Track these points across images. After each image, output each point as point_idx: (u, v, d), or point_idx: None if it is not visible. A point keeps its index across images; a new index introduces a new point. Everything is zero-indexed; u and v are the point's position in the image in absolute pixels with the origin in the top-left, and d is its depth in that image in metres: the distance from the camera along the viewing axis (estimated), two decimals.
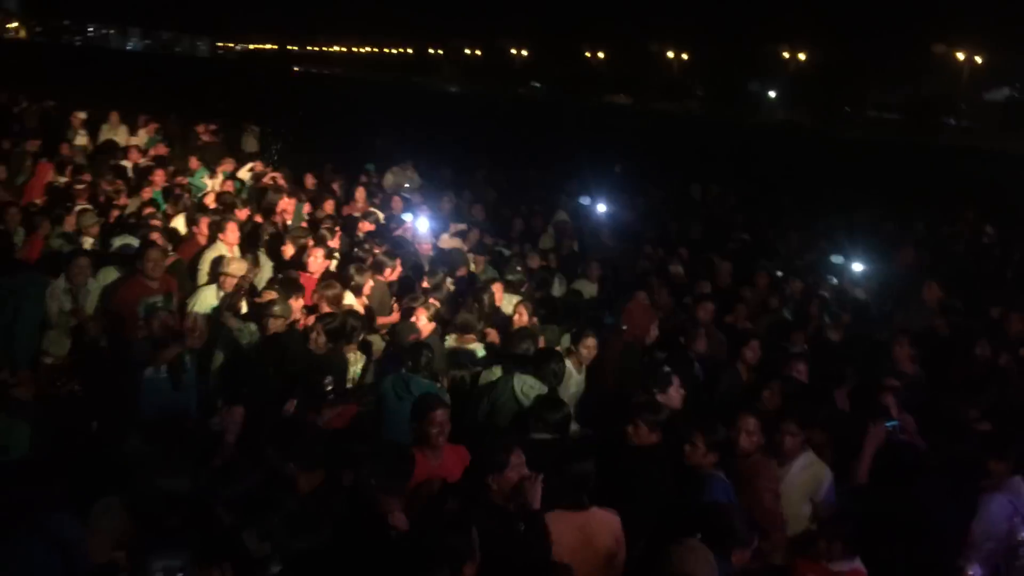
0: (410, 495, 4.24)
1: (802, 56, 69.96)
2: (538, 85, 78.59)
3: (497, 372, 6.39)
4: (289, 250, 8.71)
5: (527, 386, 5.94)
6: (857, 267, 11.45)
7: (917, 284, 9.93)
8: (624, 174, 19.01)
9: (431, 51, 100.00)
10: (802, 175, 24.35)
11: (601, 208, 13.54)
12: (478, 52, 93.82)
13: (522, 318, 7.45)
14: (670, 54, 77.59)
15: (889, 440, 4.96)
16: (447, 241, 10.41)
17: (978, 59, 63.92)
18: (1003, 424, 5.65)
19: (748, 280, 10.14)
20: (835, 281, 10.96)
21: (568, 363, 6.71)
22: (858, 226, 15.15)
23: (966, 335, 8.04)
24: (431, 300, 7.51)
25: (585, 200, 14.12)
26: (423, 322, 7.11)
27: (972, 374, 7.22)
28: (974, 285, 10.61)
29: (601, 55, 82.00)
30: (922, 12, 62.40)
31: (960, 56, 63.98)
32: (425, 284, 8.24)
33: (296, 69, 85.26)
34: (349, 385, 6.26)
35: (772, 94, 69.39)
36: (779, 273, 10.70)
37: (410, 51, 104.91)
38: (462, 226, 11.08)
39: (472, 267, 9.34)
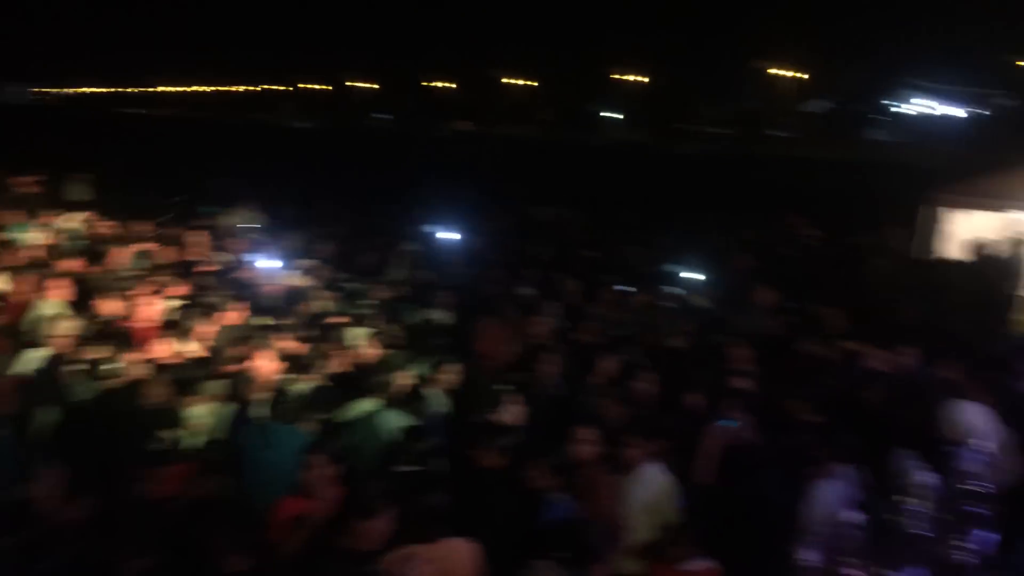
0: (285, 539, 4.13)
1: (639, 78, 73.16)
2: (384, 116, 78.40)
3: (359, 408, 6.32)
4: (123, 300, 8.31)
5: (392, 420, 5.92)
6: (696, 276, 12.02)
7: (751, 288, 10.55)
8: (474, 199, 19.20)
9: (276, 88, 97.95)
10: (644, 191, 25.30)
11: (452, 235, 13.62)
12: (325, 87, 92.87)
13: (374, 352, 7.40)
14: (513, 80, 79.37)
15: (730, 439, 5.20)
16: (295, 279, 10.21)
17: (797, 74, 68.69)
18: (828, 414, 6.07)
19: (596, 297, 10.46)
20: (678, 291, 11.46)
21: (431, 391, 6.75)
22: (696, 236, 15.94)
23: (794, 333, 8.59)
24: (280, 341, 7.36)
25: (436, 228, 14.17)
26: (273, 364, 6.96)
27: (800, 369, 7.70)
28: (800, 285, 11.30)
29: (445, 84, 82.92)
30: (746, 31, 66.46)
31: (781, 72, 68.60)
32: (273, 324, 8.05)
33: (126, 112, 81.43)
34: (197, 439, 6.03)
35: (613, 115, 72.04)
36: (625, 287, 11.08)
37: (256, 89, 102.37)
38: (310, 262, 10.90)
39: (321, 304, 9.19)
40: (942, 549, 5.14)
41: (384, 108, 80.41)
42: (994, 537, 5.13)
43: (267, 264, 10.33)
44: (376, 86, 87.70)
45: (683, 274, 12.29)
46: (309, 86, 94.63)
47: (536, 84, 78.54)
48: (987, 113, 63.65)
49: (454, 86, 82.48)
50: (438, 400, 6.85)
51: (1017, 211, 13.58)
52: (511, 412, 6.02)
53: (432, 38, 79.88)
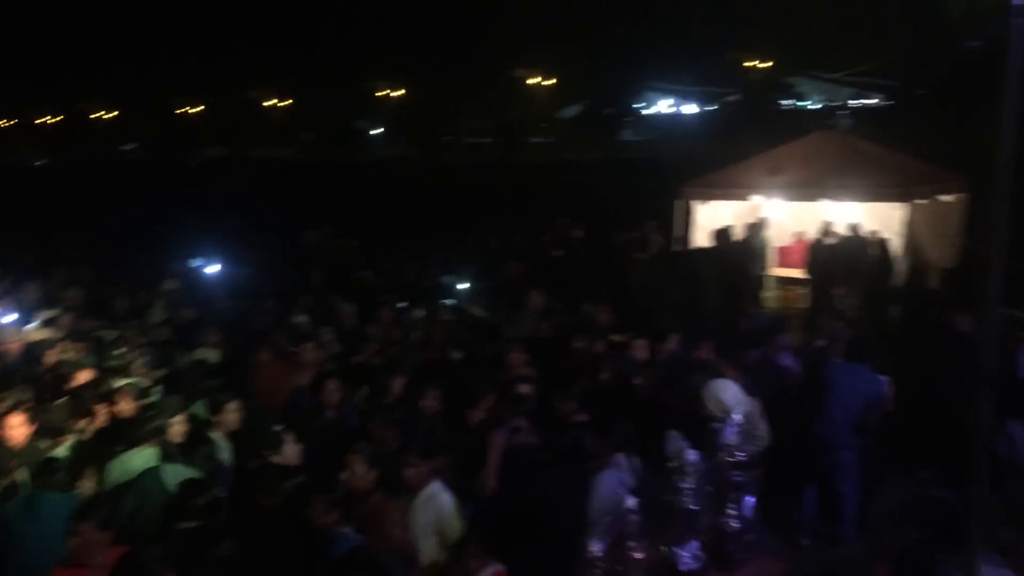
0: None
1: (399, 92, 73.53)
2: (130, 147, 73.43)
3: (132, 464, 5.83)
4: None
5: (169, 474, 5.51)
6: (471, 286, 12.23)
7: (523, 294, 10.87)
8: (237, 228, 18.45)
9: (4, 122, 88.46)
10: (413, 205, 25.43)
11: (215, 268, 12.95)
12: (58, 118, 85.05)
13: (132, 403, 6.85)
14: (270, 101, 77.13)
15: (510, 445, 5.28)
16: (35, 333, 9.27)
17: (550, 81, 71.87)
18: (601, 407, 6.34)
19: (374, 317, 10.32)
20: (455, 302, 11.57)
21: (210, 436, 6.35)
22: (469, 246, 16.23)
23: (565, 333, 8.94)
24: (22, 402, 6.63)
25: (196, 262, 13.42)
26: (19, 427, 6.25)
27: (574, 367, 8.01)
28: (570, 285, 11.78)
29: (196, 109, 78.99)
30: (499, 41, 68.65)
31: (535, 80, 71.52)
32: None
33: None
34: None
35: (377, 131, 71.89)
36: (401, 304, 11.03)
37: None
38: (53, 312, 9.93)
39: (65, 356, 8.37)
40: (714, 519, 5.52)
41: (130, 137, 75.28)
42: (752, 500, 5.57)
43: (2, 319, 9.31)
44: (117, 113, 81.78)
45: (458, 285, 12.46)
46: (43, 119, 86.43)
47: (292, 103, 76.79)
48: (716, 109, 69.75)
49: (203, 109, 78.73)
50: (218, 445, 6.46)
51: (756, 197, 14.94)
52: (289, 451, 5.78)
53: (178, 58, 75.82)
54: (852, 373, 7.12)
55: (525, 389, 7.08)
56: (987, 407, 3.20)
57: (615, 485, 5.42)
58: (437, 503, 5.06)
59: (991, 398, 3.20)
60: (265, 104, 77.60)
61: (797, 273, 14.22)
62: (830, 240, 13.80)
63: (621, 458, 5.66)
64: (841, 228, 14.01)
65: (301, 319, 10.19)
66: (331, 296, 11.42)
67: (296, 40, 74.30)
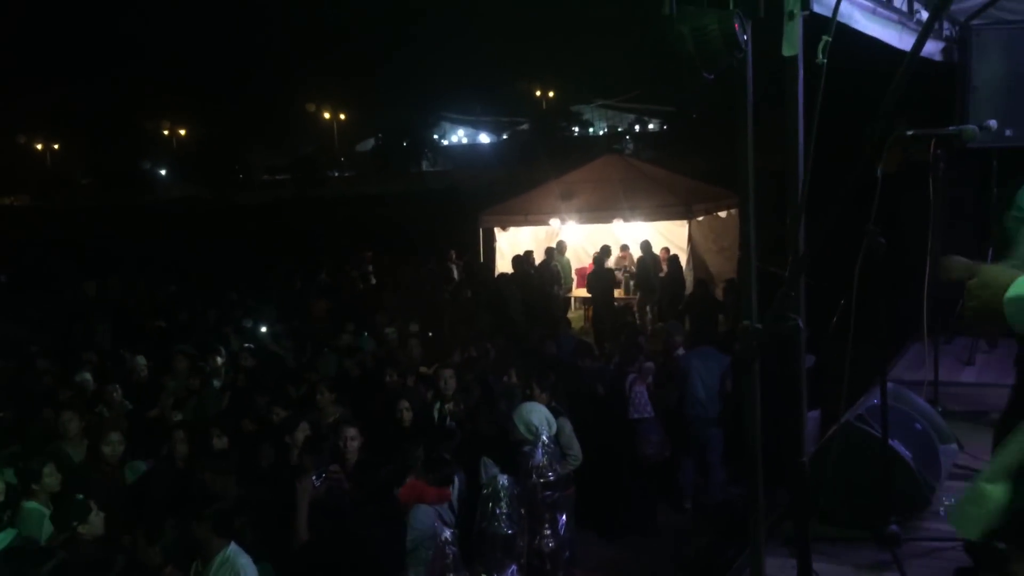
0: None
1: (183, 131, 70.38)
2: None
3: None
4: None
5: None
6: (272, 327, 11.86)
7: (331, 331, 10.68)
8: (12, 284, 16.93)
9: None
10: (209, 247, 24.38)
11: None
12: None
13: None
14: (39, 146, 71.47)
15: (317, 491, 5.13)
16: None
17: (343, 116, 71.42)
18: (415, 437, 6.33)
19: (170, 367, 9.75)
20: (259, 345, 11.15)
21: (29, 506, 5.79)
22: (270, 286, 15.73)
23: (377, 368, 8.87)
24: None
25: None
26: None
27: (385, 401, 7.93)
28: (375, 319, 11.67)
29: None
30: (287, 75, 67.52)
31: (328, 115, 70.82)
32: None
33: None
34: None
35: (163, 172, 68.39)
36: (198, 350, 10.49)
37: None
38: None
39: None
40: (531, 541, 5.62)
41: None
42: (563, 519, 5.73)
43: None
44: None
45: (261, 328, 12.05)
46: None
47: (62, 146, 71.54)
48: (508, 137, 72.01)
49: None
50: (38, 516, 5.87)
51: (553, 221, 15.52)
52: (95, 521, 5.37)
53: None
54: (703, 356, 8.14)
55: (351, 434, 6.93)
56: (755, 402, 3.46)
57: (430, 517, 5.40)
58: (234, 567, 4.70)
59: (757, 397, 3.47)
60: (37, 147, 71.77)
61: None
62: (610, 261, 14.61)
63: (438, 488, 5.65)
64: (634, 247, 14.85)
65: (85, 376, 9.44)
66: (119, 349, 10.69)
67: (67, 79, 69.56)
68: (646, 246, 14.61)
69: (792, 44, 3.51)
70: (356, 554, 4.75)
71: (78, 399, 8.29)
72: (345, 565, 4.76)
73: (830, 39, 2.78)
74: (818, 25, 3.56)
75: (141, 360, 9.90)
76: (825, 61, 2.79)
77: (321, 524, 4.97)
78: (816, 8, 3.57)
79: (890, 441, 4.09)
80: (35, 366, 9.93)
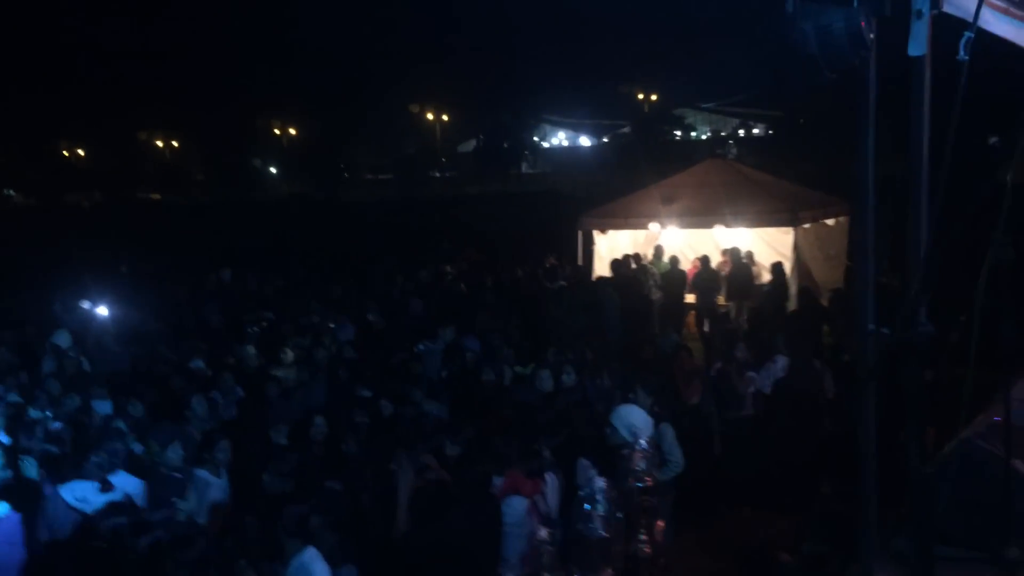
0: None
1: (293, 130, 72.68)
2: (11, 192, 70.04)
3: None
4: None
5: None
6: (377, 323, 12.15)
7: (430, 329, 10.84)
8: (133, 274, 17.81)
9: None
10: (316, 242, 25.11)
11: (103, 311, 12.39)
12: None
13: None
14: (159, 142, 75.00)
15: (415, 483, 5.22)
16: None
17: (446, 117, 72.45)
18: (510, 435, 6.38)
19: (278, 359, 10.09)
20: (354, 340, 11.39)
21: None
22: (374, 282, 16.07)
23: (476, 367, 8.98)
24: None
25: (85, 304, 12.83)
26: None
27: (481, 400, 8.02)
28: (476, 319, 11.78)
29: (83, 152, 76.02)
30: (394, 78, 68.91)
31: (431, 116, 71.94)
32: None
33: None
34: None
35: (273, 169, 70.79)
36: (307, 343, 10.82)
37: None
38: None
39: None
40: (626, 546, 5.58)
41: (11, 183, 71.73)
42: (661, 525, 5.68)
43: None
44: None
45: (371, 318, 12.40)
46: None
47: (183, 144, 74.79)
48: (609, 140, 71.61)
49: (93, 153, 75.79)
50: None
51: (653, 225, 15.36)
52: None
53: (59, 100, 73.01)
54: None
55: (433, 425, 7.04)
56: (870, 416, 3.35)
57: (522, 508, 5.45)
58: (308, 574, 4.72)
59: (872, 407, 3.36)
60: (158, 144, 75.37)
61: (691, 298, 14.65)
62: (711, 266, 14.38)
63: (533, 486, 5.68)
64: (733, 254, 14.59)
65: (198, 364, 9.87)
66: (230, 340, 11.12)
67: (185, 78, 72.85)
68: (736, 253, 14.36)
69: (919, 44, 3.38)
70: (454, 547, 4.81)
71: (194, 384, 8.66)
72: (443, 558, 4.82)
73: (972, 36, 2.67)
74: (943, 24, 3.43)
75: (251, 350, 10.27)
76: (967, 59, 2.68)
77: (420, 517, 5.05)
78: (947, 8, 3.43)
79: (1012, 461, 3.89)
80: (156, 353, 10.43)
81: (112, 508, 5.59)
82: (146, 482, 6.23)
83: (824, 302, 12.63)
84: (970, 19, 3.49)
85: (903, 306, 2.44)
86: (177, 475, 6.27)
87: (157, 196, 60.69)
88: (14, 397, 8.51)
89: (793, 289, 13.47)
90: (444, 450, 6.35)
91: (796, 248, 14.09)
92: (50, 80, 73.43)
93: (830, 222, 15.47)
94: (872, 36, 3.29)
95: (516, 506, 5.53)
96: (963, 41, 2.75)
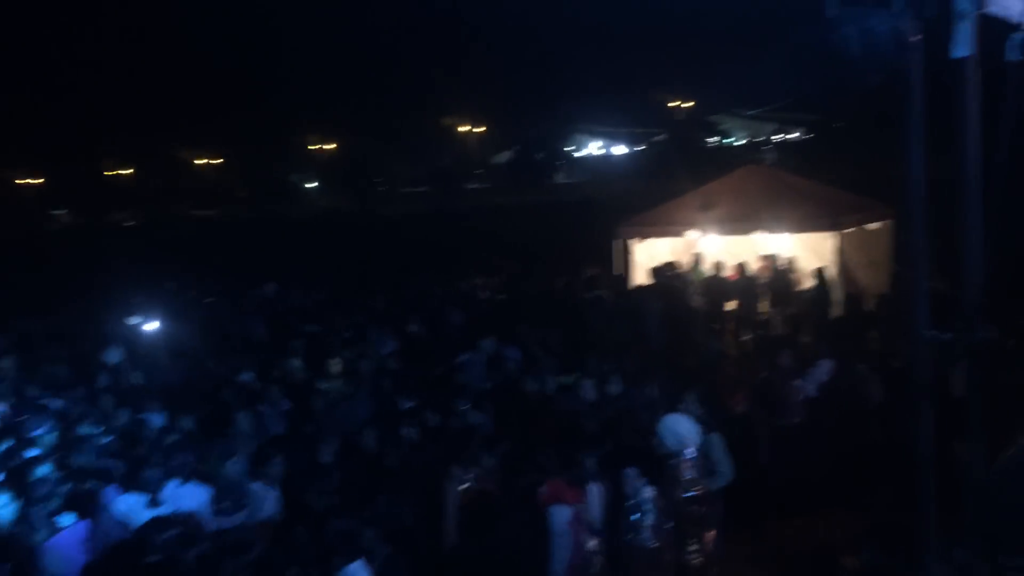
0: None
1: (330, 145, 73.50)
2: (60, 212, 71.58)
3: None
4: None
5: None
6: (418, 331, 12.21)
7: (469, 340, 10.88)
8: (180, 289, 18.10)
9: None
10: (354, 255, 25.35)
11: (153, 326, 12.62)
12: None
13: None
14: (200, 160, 76.28)
15: (466, 495, 5.26)
16: None
17: (480, 129, 72.78)
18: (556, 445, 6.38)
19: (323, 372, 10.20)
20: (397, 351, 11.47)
21: None
22: (412, 293, 16.19)
23: (518, 377, 9.00)
24: None
25: (136, 320, 13.08)
26: None
27: (526, 410, 8.04)
28: (515, 329, 11.80)
29: (126, 171, 77.56)
30: (427, 90, 69.45)
31: (465, 128, 72.32)
32: None
33: None
34: None
35: (311, 184, 71.62)
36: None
37: None
38: None
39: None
40: (676, 555, 5.57)
41: (60, 204, 73.38)
42: (711, 535, 5.66)
43: None
44: (41, 180, 79.47)
45: (412, 329, 12.48)
46: None
47: (223, 161, 76.01)
48: (645, 148, 71.34)
49: (136, 172, 77.35)
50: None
51: (691, 232, 15.27)
52: None
53: (104, 123, 74.57)
54: None
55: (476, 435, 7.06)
56: (927, 423, 3.32)
57: (566, 517, 5.47)
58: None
59: (929, 418, 3.32)
60: (197, 162, 76.70)
61: (732, 305, 14.53)
62: (749, 273, 14.29)
63: (580, 496, 5.70)
64: (772, 260, 14.49)
65: (246, 377, 10.01)
66: (275, 354, 11.26)
67: (223, 96, 74.02)
68: (775, 259, 14.25)
69: (964, 45, 3.36)
70: (504, 557, 4.84)
71: (243, 397, 8.79)
72: (492, 568, 4.84)
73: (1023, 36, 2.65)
74: (987, 26, 3.40)
75: (297, 362, 10.40)
76: (1020, 59, 2.66)
77: (468, 528, 5.08)
78: (992, 8, 3.40)
79: None
80: (204, 367, 10.61)
81: (163, 520, 5.70)
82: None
83: (869, 307, 12.46)
84: (1015, 19, 3.45)
85: (962, 311, 2.42)
86: (237, 488, 6.38)
87: (199, 213, 61.66)
88: (67, 413, 8.70)
89: (837, 295, 13.31)
90: (488, 461, 6.36)
91: (839, 253, 13.93)
92: (95, 101, 75.03)
93: (873, 226, 15.27)
94: (916, 38, 3.28)
95: (559, 515, 5.54)
96: (1014, 42, 2.73)
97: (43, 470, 6.55)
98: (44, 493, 5.78)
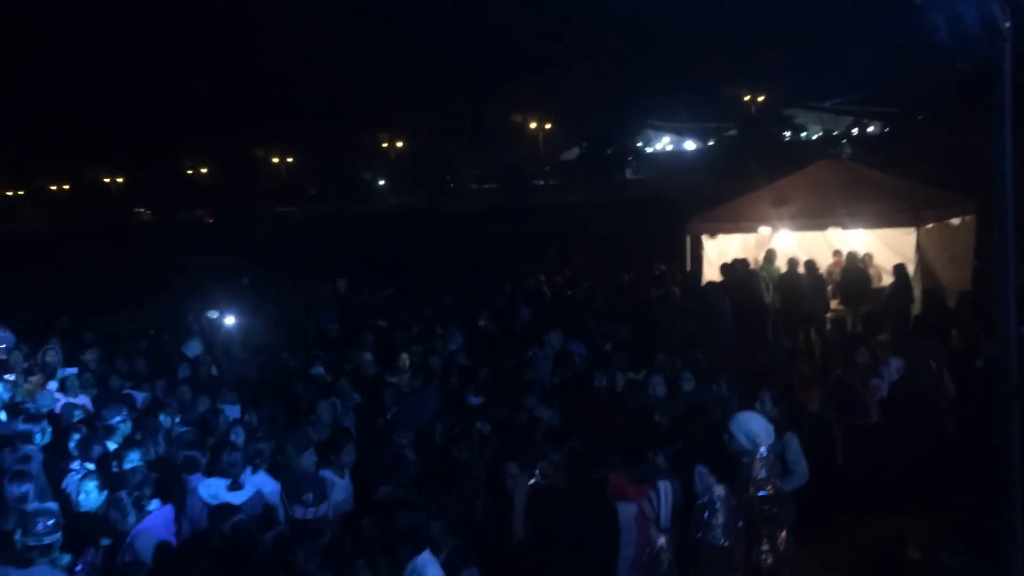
0: None
1: (400, 143, 74.40)
2: (142, 210, 74.18)
3: None
4: None
5: None
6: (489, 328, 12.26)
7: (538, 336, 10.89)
8: (255, 285, 18.57)
9: (10, 193, 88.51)
10: (424, 251, 25.64)
11: (230, 320, 12.98)
12: (65, 187, 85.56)
13: None
14: (275, 159, 78.09)
15: (535, 489, 5.26)
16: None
17: (549, 125, 72.71)
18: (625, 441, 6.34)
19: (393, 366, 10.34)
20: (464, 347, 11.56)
21: None
22: (480, 289, 16.30)
23: (586, 373, 8.97)
24: None
25: (213, 314, 13.48)
26: None
27: (597, 405, 8.01)
28: (585, 325, 11.78)
29: (204, 170, 79.93)
30: (496, 87, 69.77)
31: (534, 125, 72.35)
32: None
33: None
34: None
35: (382, 182, 72.63)
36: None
37: None
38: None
39: None
40: (747, 555, 5.48)
41: (142, 202, 76.10)
42: (783, 535, 5.54)
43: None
44: (120, 180, 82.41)
45: (481, 324, 12.57)
46: (51, 187, 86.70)
47: (297, 159, 77.73)
48: (715, 143, 70.28)
49: (214, 171, 79.69)
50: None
51: (764, 228, 14.98)
52: None
53: (185, 124, 77.04)
54: None
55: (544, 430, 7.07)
56: (1015, 424, 3.19)
57: (631, 513, 5.43)
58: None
59: (1017, 418, 3.20)
60: (273, 161, 78.58)
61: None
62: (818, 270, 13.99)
63: (648, 492, 5.66)
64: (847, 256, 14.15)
65: (318, 371, 10.21)
66: (347, 347, 11.46)
67: (297, 95, 75.63)
68: (850, 256, 13.89)
69: None
70: (572, 551, 4.82)
71: (314, 390, 8.96)
72: (561, 563, 4.84)
73: None
74: None
75: (368, 356, 10.56)
76: None
77: (536, 522, 5.08)
78: None
79: None
80: (279, 360, 10.86)
81: (237, 506, 5.85)
82: (282, 483, 6.51)
83: (951, 305, 12.05)
84: None
85: None
86: (314, 479, 6.52)
87: (274, 210, 63.15)
88: (148, 403, 9.02)
89: (917, 292, 12.90)
90: (556, 456, 6.36)
91: (919, 249, 13.49)
92: (172, 103, 77.53)
93: (955, 222, 14.75)
94: (1008, 25, 3.15)
95: (624, 512, 5.49)
96: None
97: (132, 457, 6.81)
98: (135, 480, 5.99)
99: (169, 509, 5.94)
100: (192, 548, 5.35)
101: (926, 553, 4.29)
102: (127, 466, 6.60)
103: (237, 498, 5.99)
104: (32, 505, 5.99)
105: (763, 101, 69.99)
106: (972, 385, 8.12)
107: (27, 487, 6.15)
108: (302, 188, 72.38)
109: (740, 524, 5.32)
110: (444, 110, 68.98)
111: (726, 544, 5.25)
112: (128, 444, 7.06)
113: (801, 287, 13.67)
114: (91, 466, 6.73)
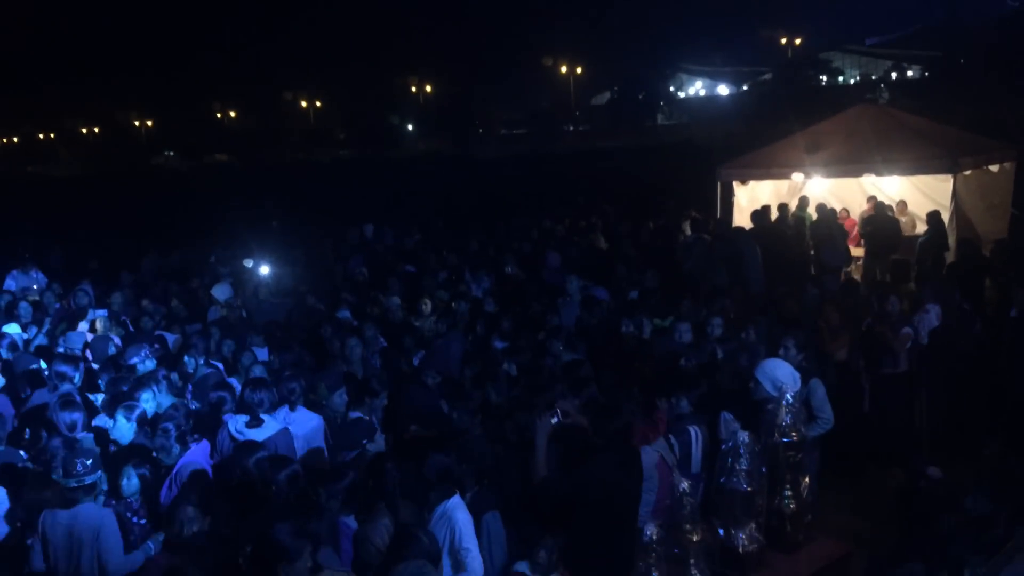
0: None
1: (429, 87, 73.76)
2: (171, 153, 74.40)
3: None
4: None
5: None
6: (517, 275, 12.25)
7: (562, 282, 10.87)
8: (283, 229, 18.64)
9: (41, 136, 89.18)
10: (452, 197, 25.52)
11: (259, 265, 13.08)
12: (96, 130, 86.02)
13: None
14: (303, 103, 77.85)
15: (558, 428, 5.25)
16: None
17: (579, 69, 71.58)
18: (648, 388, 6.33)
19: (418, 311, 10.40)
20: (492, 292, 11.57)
21: None
22: (511, 236, 16.23)
23: (610, 320, 8.93)
24: None
25: (248, 262, 13.59)
26: None
27: (620, 352, 8.00)
28: (613, 272, 11.72)
29: (233, 113, 79.89)
30: (525, 30, 68.73)
31: (564, 69, 71.28)
32: None
33: None
34: None
35: (410, 127, 72.24)
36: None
37: (15, 140, 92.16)
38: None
39: None
40: (770, 501, 5.48)
41: (171, 145, 76.30)
42: (806, 481, 5.54)
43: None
44: (150, 123, 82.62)
45: (508, 270, 12.57)
46: (81, 130, 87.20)
47: (325, 104, 77.47)
48: (749, 88, 68.85)
49: (243, 115, 79.63)
50: None
51: (796, 175, 14.73)
52: None
53: (213, 66, 76.87)
54: None
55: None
56: None
57: (652, 458, 5.44)
58: (451, 522, 4.84)
59: None
60: (302, 104, 78.38)
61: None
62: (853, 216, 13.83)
63: (671, 438, 5.68)
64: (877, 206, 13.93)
65: (345, 315, 10.28)
66: (375, 291, 11.51)
67: (326, 40, 75.08)
68: (880, 205, 13.66)
69: None
70: (596, 493, 4.84)
71: (341, 334, 9.02)
72: (584, 504, 4.86)
73: None
74: None
75: (396, 301, 10.61)
76: None
77: (559, 463, 5.10)
78: None
79: None
80: (305, 304, 10.94)
81: (258, 443, 5.93)
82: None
83: (986, 253, 11.83)
84: None
85: None
86: (345, 420, 6.58)
87: (302, 155, 63.16)
88: (179, 344, 9.15)
89: (952, 240, 12.67)
90: (581, 398, 6.37)
91: (955, 196, 13.21)
92: (203, 47, 77.32)
93: (994, 168, 14.42)
94: None
95: (648, 457, 5.51)
96: None
97: (165, 397, 6.95)
98: (178, 414, 6.15)
99: (206, 444, 6.09)
100: (217, 482, 5.49)
101: (952, 503, 4.28)
102: (164, 404, 6.76)
103: (260, 434, 6.07)
104: (79, 434, 6.20)
105: (800, 44, 68.31)
106: (1006, 333, 8.00)
107: (77, 415, 6.37)
108: (330, 133, 72.25)
109: (764, 470, 5.31)
110: (473, 54, 68.08)
111: (749, 490, 5.25)
112: (158, 382, 7.16)
113: (832, 234, 13.48)
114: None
